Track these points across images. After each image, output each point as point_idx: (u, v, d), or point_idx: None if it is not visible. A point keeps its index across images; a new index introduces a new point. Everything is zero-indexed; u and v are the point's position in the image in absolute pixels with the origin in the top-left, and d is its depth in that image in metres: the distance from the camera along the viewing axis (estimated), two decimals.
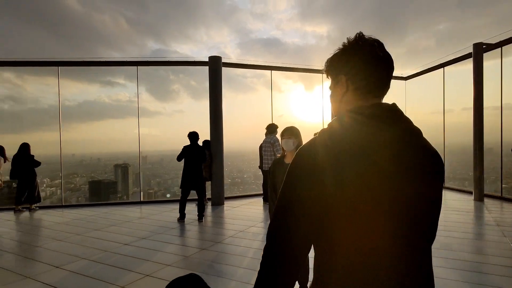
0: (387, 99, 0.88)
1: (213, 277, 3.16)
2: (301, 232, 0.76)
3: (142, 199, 7.90)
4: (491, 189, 7.60)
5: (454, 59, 7.97)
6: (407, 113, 0.83)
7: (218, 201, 7.09)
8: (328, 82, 0.93)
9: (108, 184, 12.80)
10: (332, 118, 0.88)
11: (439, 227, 0.87)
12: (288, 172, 0.81)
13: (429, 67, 8.87)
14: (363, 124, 0.77)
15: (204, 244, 4.31)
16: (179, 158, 5.76)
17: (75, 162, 14.52)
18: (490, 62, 6.96)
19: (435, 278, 0.82)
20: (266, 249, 0.80)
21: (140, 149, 7.95)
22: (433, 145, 0.83)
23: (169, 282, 1.02)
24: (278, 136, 6.26)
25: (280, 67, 8.35)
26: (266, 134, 6.56)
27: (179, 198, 5.71)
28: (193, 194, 5.98)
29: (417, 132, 0.81)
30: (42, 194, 7.11)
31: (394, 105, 0.82)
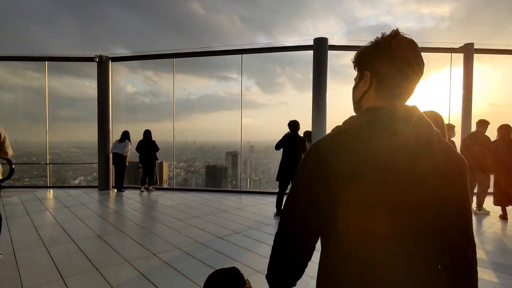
0: None
1: None
2: (310, 223, 0.81)
3: (247, 186, 7.98)
4: None
5: None
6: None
7: None
8: (354, 74, 0.90)
9: (220, 169, 14.04)
10: (354, 111, 0.90)
11: None
12: (300, 165, 0.84)
13: None
14: (379, 128, 0.76)
15: None
16: (277, 147, 5.35)
17: (196, 149, 16.58)
18: None
19: None
20: (276, 235, 0.87)
21: (243, 138, 8.01)
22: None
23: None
24: None
25: None
26: None
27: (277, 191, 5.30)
28: None
29: (436, 136, 0.78)
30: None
31: (414, 107, 0.81)
